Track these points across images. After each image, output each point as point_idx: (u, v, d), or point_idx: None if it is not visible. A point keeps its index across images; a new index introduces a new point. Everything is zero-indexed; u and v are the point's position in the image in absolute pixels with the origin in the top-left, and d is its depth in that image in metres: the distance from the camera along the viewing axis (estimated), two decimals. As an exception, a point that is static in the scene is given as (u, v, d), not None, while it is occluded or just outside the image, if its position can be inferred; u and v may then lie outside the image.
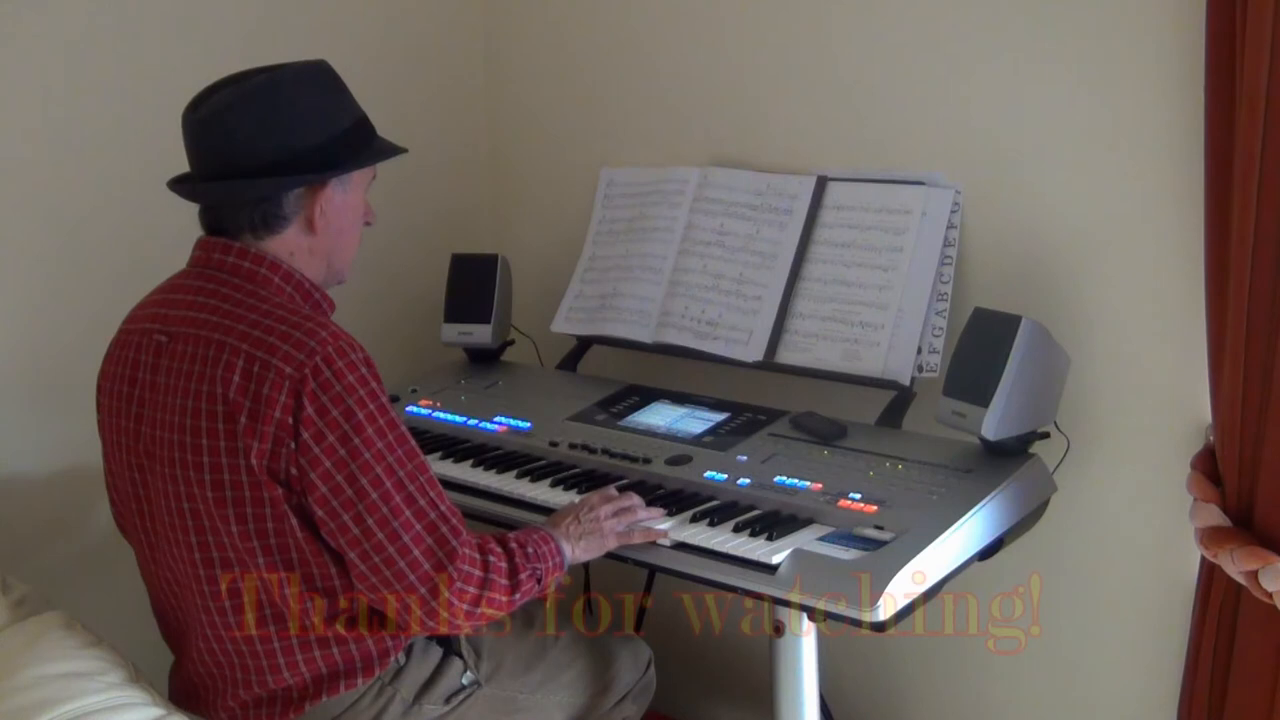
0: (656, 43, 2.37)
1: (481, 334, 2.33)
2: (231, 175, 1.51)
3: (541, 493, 1.83)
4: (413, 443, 1.51)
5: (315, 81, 1.56)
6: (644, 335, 2.23)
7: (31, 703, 1.44)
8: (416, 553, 1.46)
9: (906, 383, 1.93)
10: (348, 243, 1.63)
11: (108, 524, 1.80)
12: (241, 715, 1.58)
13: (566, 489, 1.83)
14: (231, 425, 1.45)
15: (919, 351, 1.93)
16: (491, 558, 1.51)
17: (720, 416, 2.01)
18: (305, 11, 2.35)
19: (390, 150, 1.63)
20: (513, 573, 1.53)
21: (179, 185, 1.58)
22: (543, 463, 1.94)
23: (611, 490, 1.75)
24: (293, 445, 1.44)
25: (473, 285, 2.34)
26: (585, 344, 2.36)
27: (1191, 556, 1.76)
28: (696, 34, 2.30)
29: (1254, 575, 1.56)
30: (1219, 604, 1.68)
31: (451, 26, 2.60)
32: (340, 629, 1.54)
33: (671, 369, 2.27)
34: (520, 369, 2.38)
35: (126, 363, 1.58)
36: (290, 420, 1.43)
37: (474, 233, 2.68)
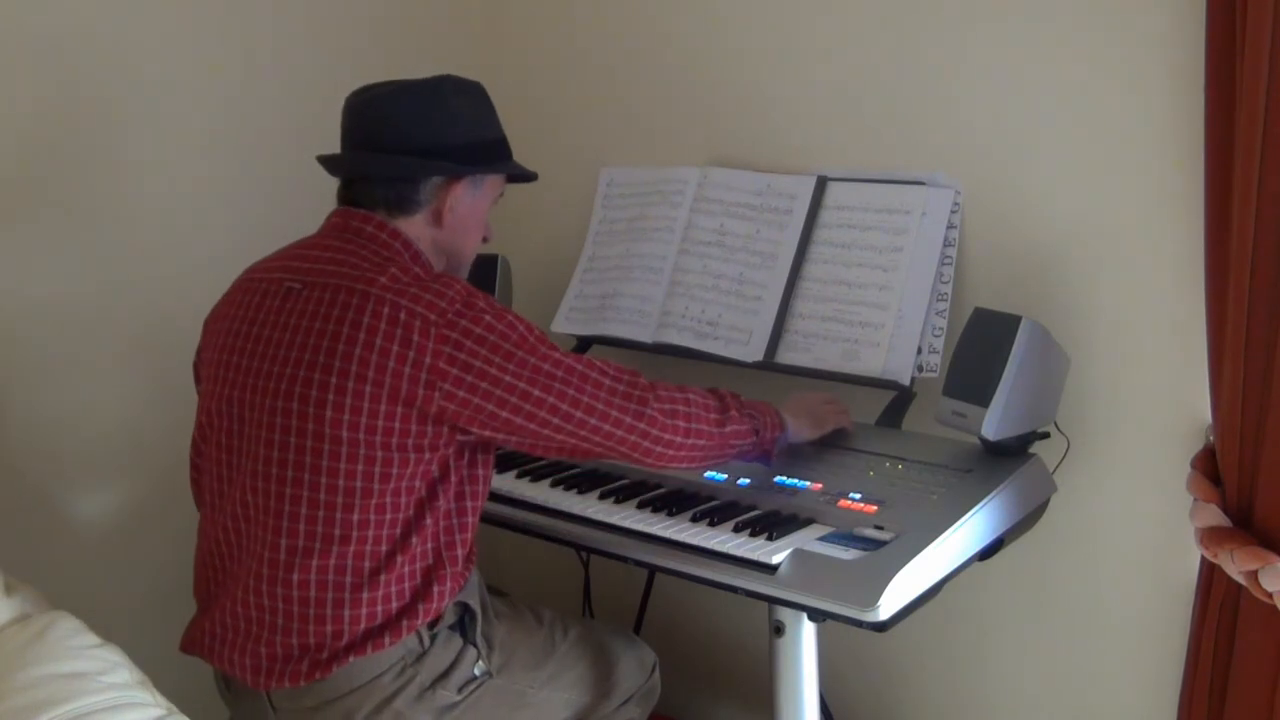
0: (656, 43, 2.37)
1: (482, 334, 2.32)
2: (383, 152, 1.62)
3: (541, 492, 1.83)
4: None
5: (471, 93, 1.68)
6: (644, 335, 2.23)
7: (31, 703, 1.44)
8: (615, 414, 1.57)
9: (906, 383, 1.93)
10: (467, 245, 1.72)
11: (111, 523, 1.81)
12: (268, 666, 1.59)
13: (567, 489, 1.84)
14: (384, 360, 1.50)
15: (919, 351, 1.93)
16: (693, 395, 1.66)
17: (720, 416, 2.01)
18: (304, 11, 2.35)
19: (524, 172, 1.74)
20: (723, 409, 1.68)
21: (328, 160, 1.67)
22: (542, 462, 1.94)
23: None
24: (448, 385, 1.51)
25: (473, 285, 2.33)
26: (585, 344, 2.36)
27: (1191, 556, 1.76)
28: (697, 34, 2.30)
29: (1254, 575, 1.57)
30: (1219, 604, 1.68)
31: (451, 26, 2.60)
32: (399, 584, 1.57)
33: (671, 369, 2.27)
34: (520, 369, 2.38)
35: (249, 305, 1.64)
36: (442, 364, 1.50)
37: (474, 232, 2.68)
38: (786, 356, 2.05)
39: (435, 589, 1.60)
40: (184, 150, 2.20)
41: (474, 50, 2.64)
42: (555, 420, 1.55)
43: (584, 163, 2.46)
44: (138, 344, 2.16)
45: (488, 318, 1.54)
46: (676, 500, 1.76)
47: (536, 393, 1.53)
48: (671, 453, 1.63)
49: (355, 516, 1.54)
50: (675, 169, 2.29)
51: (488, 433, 1.56)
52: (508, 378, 1.52)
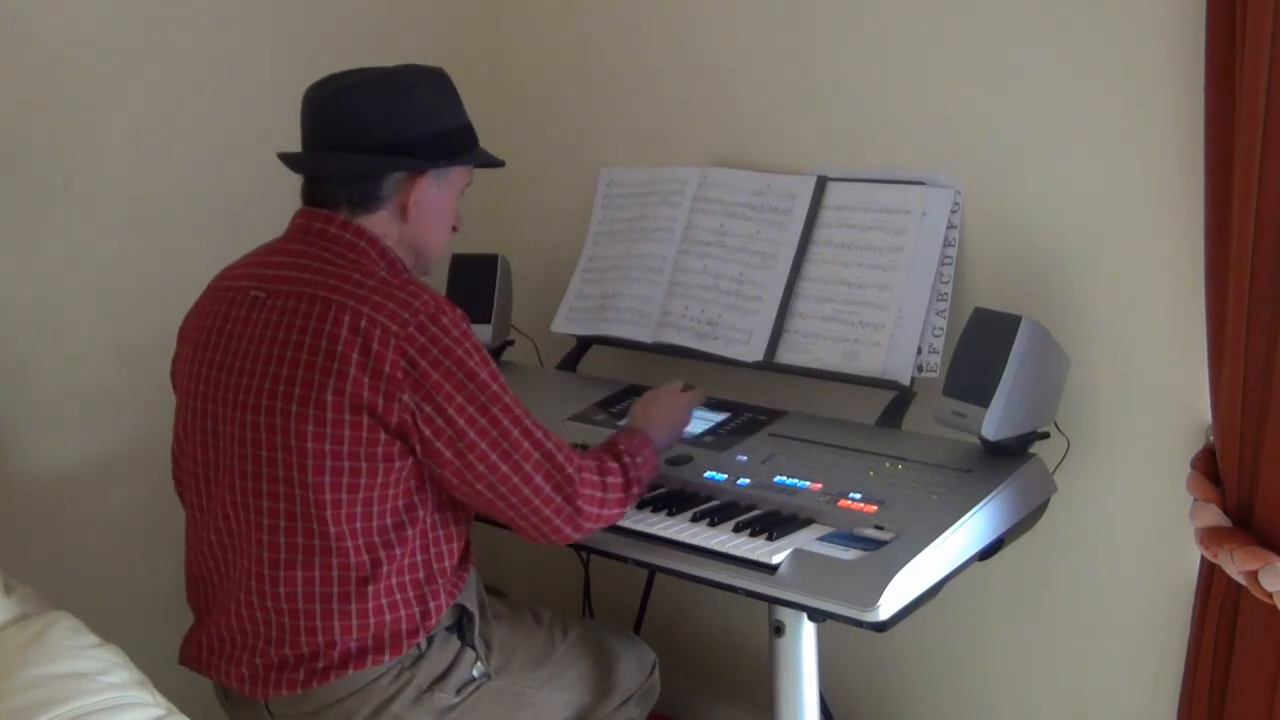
0: (656, 43, 2.37)
1: (481, 334, 2.32)
2: (343, 150, 1.58)
3: (542, 493, 1.83)
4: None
5: (432, 83, 1.65)
6: (644, 335, 2.23)
7: (31, 703, 1.44)
8: (548, 490, 1.56)
9: (906, 383, 1.93)
10: (435, 238, 1.68)
11: (111, 523, 1.80)
12: (264, 675, 1.58)
13: (567, 489, 1.84)
14: (345, 367, 1.49)
15: (919, 351, 1.93)
16: (610, 478, 1.63)
17: (720, 416, 2.01)
18: (300, 9, 2.35)
19: (489, 160, 1.70)
20: (627, 486, 1.65)
21: (288, 157, 1.64)
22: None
23: (673, 387, 1.91)
24: (405, 397, 1.49)
25: (473, 285, 2.34)
26: (585, 344, 2.36)
27: (1191, 556, 1.76)
28: (696, 34, 2.30)
29: (1254, 575, 1.56)
30: (1219, 604, 1.68)
31: (450, 26, 2.60)
32: (389, 595, 1.56)
33: (671, 369, 2.27)
34: (520, 369, 2.38)
35: (217, 315, 1.62)
36: (400, 375, 1.48)
37: (474, 233, 2.67)
38: (786, 356, 2.05)
39: (431, 604, 1.59)
40: (179, 148, 2.19)
41: (473, 50, 2.64)
42: (480, 467, 1.52)
43: (584, 163, 2.46)
44: (138, 344, 2.16)
45: (447, 340, 1.51)
46: (676, 500, 1.76)
47: (472, 434, 1.51)
48: (577, 536, 1.62)
49: (331, 528, 1.52)
50: (675, 169, 2.29)
51: (423, 455, 1.53)
52: (450, 409, 1.50)
